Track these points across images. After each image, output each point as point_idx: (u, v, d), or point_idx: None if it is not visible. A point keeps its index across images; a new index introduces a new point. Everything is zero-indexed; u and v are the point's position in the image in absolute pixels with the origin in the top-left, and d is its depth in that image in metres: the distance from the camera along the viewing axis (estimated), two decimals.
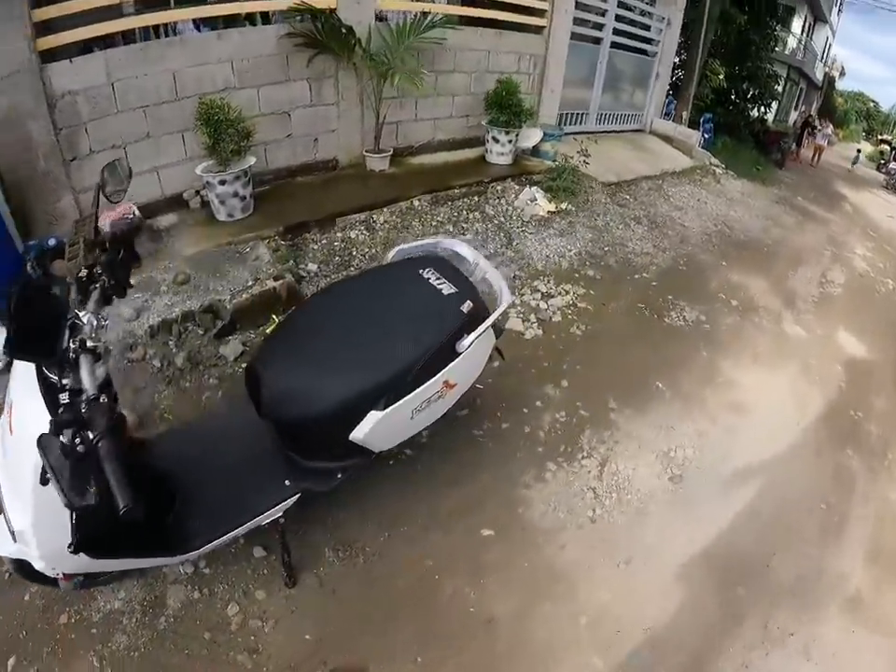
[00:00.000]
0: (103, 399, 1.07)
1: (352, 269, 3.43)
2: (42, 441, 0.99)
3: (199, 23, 4.19)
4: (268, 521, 1.76)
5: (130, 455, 1.35)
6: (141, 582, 1.95)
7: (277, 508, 1.75)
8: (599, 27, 7.00)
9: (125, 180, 1.65)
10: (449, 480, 2.39)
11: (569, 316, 3.66)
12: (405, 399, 1.74)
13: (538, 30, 5.78)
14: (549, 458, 2.63)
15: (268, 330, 2.97)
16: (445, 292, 1.88)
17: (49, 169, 3.43)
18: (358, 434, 1.72)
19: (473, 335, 1.82)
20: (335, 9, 4.15)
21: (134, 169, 3.70)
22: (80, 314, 1.28)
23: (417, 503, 2.30)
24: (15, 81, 3.14)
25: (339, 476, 1.83)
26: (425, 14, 4.68)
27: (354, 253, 3.55)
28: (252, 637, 1.83)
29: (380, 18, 4.59)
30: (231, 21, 4.09)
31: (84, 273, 1.35)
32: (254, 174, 3.71)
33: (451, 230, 3.97)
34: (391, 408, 1.71)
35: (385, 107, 4.36)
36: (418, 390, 1.76)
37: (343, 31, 4.05)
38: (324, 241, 3.59)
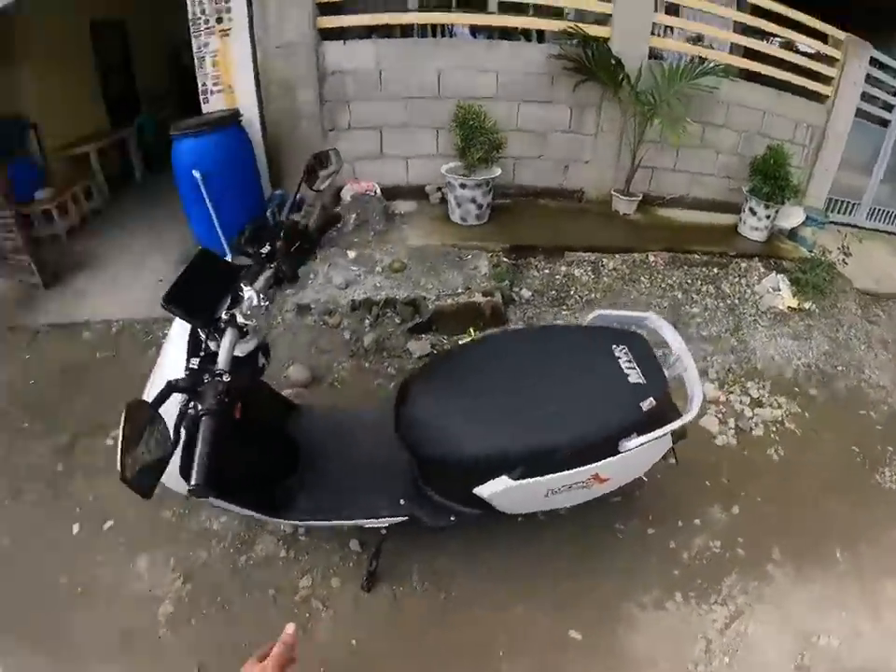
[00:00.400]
0: (226, 377, 1.06)
1: (564, 308, 3.22)
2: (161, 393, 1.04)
3: (474, 30, 4.30)
4: (371, 527, 1.76)
5: (248, 427, 1.37)
6: (244, 519, 2.10)
7: (383, 520, 1.73)
8: (889, 108, 5.93)
9: (331, 173, 1.67)
10: (565, 562, 2.11)
11: (772, 435, 3.05)
12: (544, 477, 1.54)
13: (820, 98, 5.04)
14: (679, 587, 2.19)
15: (461, 342, 2.88)
16: (631, 380, 1.61)
17: (308, 134, 3.79)
18: (484, 491, 1.58)
19: (643, 438, 1.54)
20: (608, 39, 3.98)
21: (386, 153, 4.05)
22: (245, 288, 1.29)
23: (522, 570, 2.07)
24: (294, 51, 3.56)
25: (452, 519, 1.72)
26: (701, 59, 4.31)
27: (571, 292, 3.34)
28: (307, 615, 1.89)
29: (653, 55, 4.32)
30: (505, 34, 4.13)
31: (266, 250, 1.40)
32: (496, 185, 3.69)
33: (679, 297, 3.56)
34: (525, 481, 1.53)
35: (643, 149, 4.08)
36: (561, 474, 1.55)
37: (613, 62, 3.87)
38: (546, 270, 3.44)
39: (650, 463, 1.81)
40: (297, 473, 1.79)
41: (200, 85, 3.89)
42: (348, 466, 1.84)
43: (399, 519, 1.72)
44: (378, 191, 3.58)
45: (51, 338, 3.68)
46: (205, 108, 3.94)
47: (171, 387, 1.01)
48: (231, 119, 3.60)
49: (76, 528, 2.26)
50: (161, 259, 4.01)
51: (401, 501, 1.72)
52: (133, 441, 0.89)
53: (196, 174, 3.39)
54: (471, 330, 2.91)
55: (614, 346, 1.71)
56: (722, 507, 2.56)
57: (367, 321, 2.96)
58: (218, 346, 1.17)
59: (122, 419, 0.88)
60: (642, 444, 1.54)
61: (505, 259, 3.31)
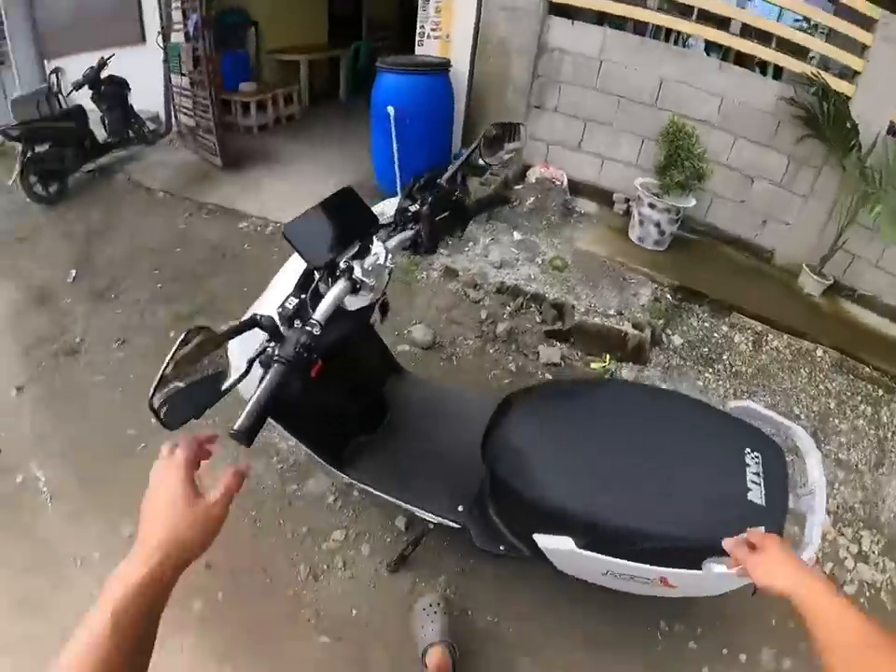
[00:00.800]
0: (315, 330, 0.92)
1: (710, 371, 2.90)
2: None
3: (709, 47, 3.96)
4: (419, 515, 1.65)
5: (330, 387, 1.28)
6: (302, 453, 2.15)
7: (435, 517, 1.61)
8: None
9: (514, 149, 1.48)
10: (591, 636, 1.82)
11: (862, 599, 2.53)
12: (608, 558, 1.33)
13: None
14: None
15: (593, 365, 2.68)
16: (751, 496, 1.32)
17: (512, 104, 3.69)
18: (544, 541, 1.41)
19: (728, 569, 1.22)
20: (849, 98, 3.48)
21: (583, 147, 3.87)
22: (376, 242, 1.17)
23: (554, 630, 1.82)
24: (520, 17, 3.46)
25: (501, 548, 1.56)
26: None
27: (724, 357, 3.01)
28: (326, 566, 1.90)
29: (893, 131, 3.74)
30: (741, 60, 3.75)
31: (414, 208, 1.29)
32: (686, 216, 3.40)
33: (831, 406, 3.09)
34: (588, 553, 1.33)
35: (851, 231, 3.58)
36: (628, 563, 1.32)
37: (848, 125, 3.38)
38: (706, 323, 3.13)
39: (726, 589, 1.53)
40: (375, 434, 1.73)
41: (418, 27, 3.91)
42: (425, 449, 1.75)
43: (450, 524, 1.60)
44: (565, 182, 3.41)
45: (212, 217, 3.92)
46: (418, 50, 3.95)
47: (253, 322, 0.89)
48: (440, 68, 3.57)
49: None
50: (334, 179, 4.11)
51: (460, 507, 1.61)
52: (180, 369, 0.78)
53: (390, 110, 3.40)
54: (607, 357, 2.70)
55: (748, 450, 1.43)
56: (776, 654, 2.13)
57: (508, 308, 2.83)
58: (323, 295, 1.06)
59: (178, 341, 0.77)
60: (724, 573, 1.28)
61: (668, 296, 3.04)
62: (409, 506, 1.63)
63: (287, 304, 1.03)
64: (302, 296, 1.07)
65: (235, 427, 0.80)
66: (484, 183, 3.28)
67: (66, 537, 2.01)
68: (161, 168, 4.57)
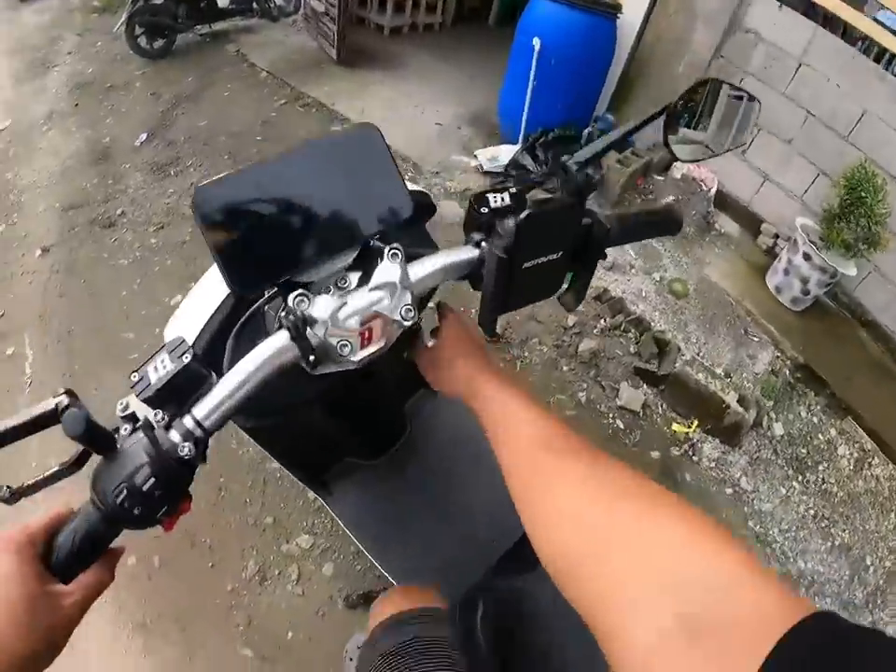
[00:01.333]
0: (185, 452, 0.46)
1: (797, 480, 2.27)
2: None
3: None
4: None
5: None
6: None
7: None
8: None
9: (735, 143, 0.80)
10: None
11: None
12: None
13: None
14: None
15: (674, 426, 2.12)
16: None
17: (680, 77, 3.00)
18: None
19: None
20: None
21: (748, 157, 3.09)
22: (390, 254, 0.54)
23: None
24: None
25: None
26: None
27: (819, 467, 2.31)
28: (278, 572, 1.62)
29: None
30: None
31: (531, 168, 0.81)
32: (840, 284, 2.65)
33: None
34: None
35: None
36: None
37: None
38: (815, 418, 2.41)
39: None
40: (377, 460, 1.26)
41: None
42: (429, 502, 1.26)
43: None
44: (713, 190, 2.72)
45: (306, 111, 3.54)
46: None
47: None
48: (608, 10, 2.89)
49: None
50: (452, 106, 3.63)
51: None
52: None
53: (536, 42, 2.80)
54: (694, 423, 2.13)
55: None
56: None
57: (601, 323, 2.28)
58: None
59: None
60: None
61: (787, 372, 2.37)
62: (380, 569, 1.21)
63: (156, 366, 0.45)
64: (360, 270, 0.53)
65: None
66: (623, 162, 2.64)
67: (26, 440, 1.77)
68: (274, 48, 4.19)
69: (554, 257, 0.60)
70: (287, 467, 1.15)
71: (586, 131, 2.86)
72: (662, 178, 2.81)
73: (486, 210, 0.57)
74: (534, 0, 2.94)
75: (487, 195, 0.57)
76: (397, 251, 0.53)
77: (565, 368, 2.22)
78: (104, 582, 0.46)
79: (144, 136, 3.04)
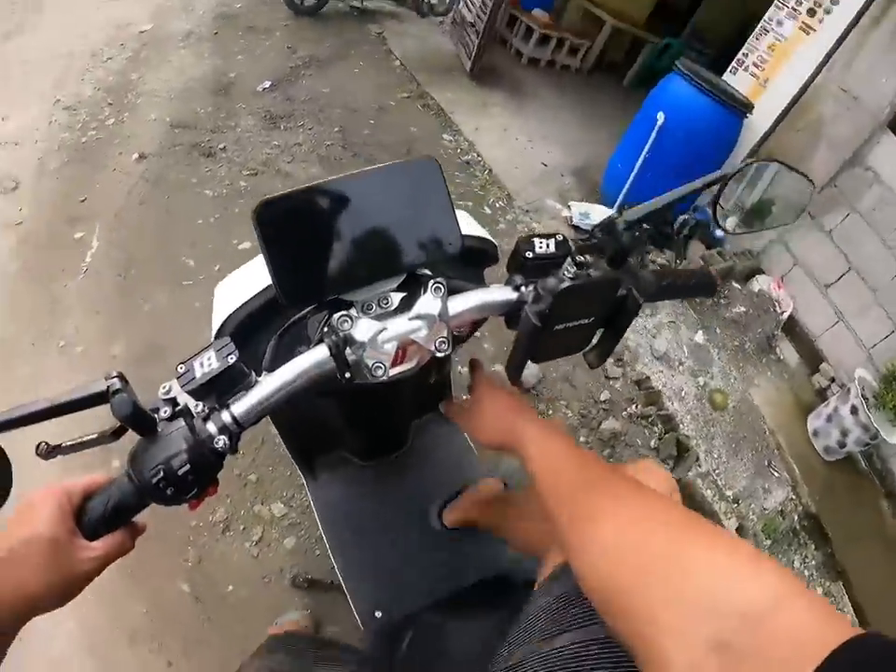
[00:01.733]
0: (220, 444, 0.51)
1: None
2: None
3: None
4: None
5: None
6: None
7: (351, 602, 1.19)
8: None
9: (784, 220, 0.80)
10: None
11: None
12: None
13: None
14: None
15: None
16: None
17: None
18: None
19: None
20: None
21: (828, 294, 3.00)
22: (434, 287, 0.57)
23: None
24: (852, 110, 2.75)
25: None
26: None
27: None
28: (243, 527, 1.64)
29: None
30: None
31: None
32: (879, 453, 2.53)
33: None
34: None
35: None
36: None
37: None
38: (806, 572, 2.33)
39: None
40: (368, 463, 1.29)
41: (740, 53, 3.16)
42: (401, 524, 1.26)
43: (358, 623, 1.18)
44: (786, 315, 2.65)
45: (424, 111, 3.63)
46: (727, 77, 3.22)
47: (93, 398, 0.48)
48: (740, 106, 2.86)
49: None
50: (562, 151, 3.65)
51: (378, 613, 1.17)
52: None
53: (660, 116, 2.80)
54: None
55: None
56: None
57: (632, 408, 2.24)
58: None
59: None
60: None
61: (796, 517, 2.26)
62: (337, 572, 1.21)
63: (202, 362, 0.48)
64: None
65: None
66: (706, 260, 2.57)
67: (67, 320, 1.87)
68: (414, 41, 4.31)
69: (587, 321, 0.63)
70: (283, 438, 1.19)
71: (682, 217, 2.82)
72: (739, 287, 2.75)
73: (531, 254, 0.59)
74: (671, 75, 2.94)
75: (534, 239, 0.60)
76: (440, 286, 0.56)
77: (582, 439, 2.19)
78: (125, 548, 0.51)
79: (267, 84, 3.17)
